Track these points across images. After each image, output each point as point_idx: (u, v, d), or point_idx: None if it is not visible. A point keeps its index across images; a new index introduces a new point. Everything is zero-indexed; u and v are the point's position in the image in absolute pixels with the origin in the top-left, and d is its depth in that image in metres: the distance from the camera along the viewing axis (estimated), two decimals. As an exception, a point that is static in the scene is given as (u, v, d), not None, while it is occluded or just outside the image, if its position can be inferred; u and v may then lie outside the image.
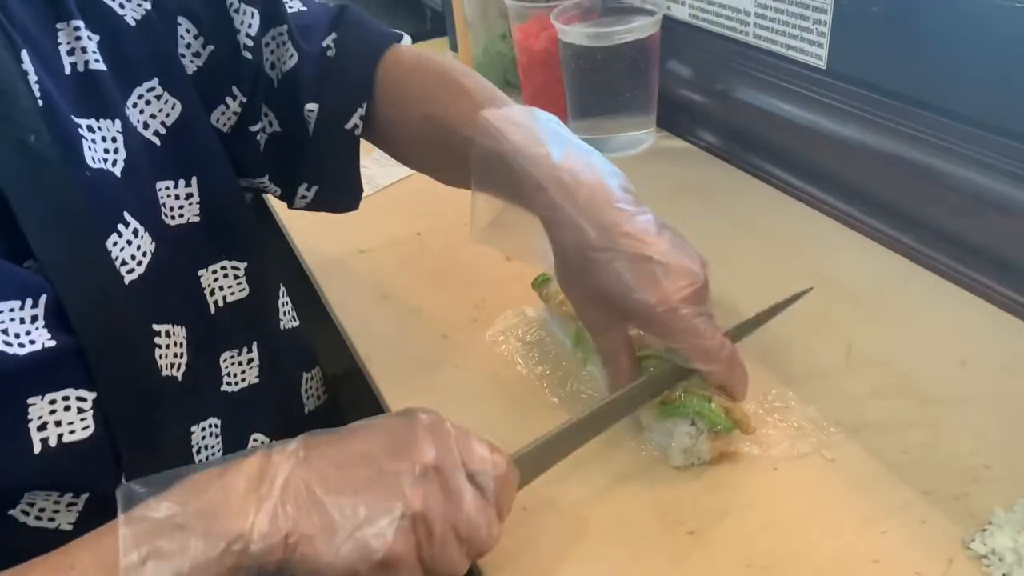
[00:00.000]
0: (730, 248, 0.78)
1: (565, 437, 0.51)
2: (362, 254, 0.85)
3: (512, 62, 1.11)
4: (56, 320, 0.44)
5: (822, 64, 0.78)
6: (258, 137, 0.62)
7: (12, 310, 0.43)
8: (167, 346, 0.52)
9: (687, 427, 0.54)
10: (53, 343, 0.43)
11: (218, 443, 0.59)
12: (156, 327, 0.51)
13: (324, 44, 0.62)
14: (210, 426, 0.58)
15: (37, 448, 0.43)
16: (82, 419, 0.45)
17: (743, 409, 0.55)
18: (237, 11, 0.58)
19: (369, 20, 0.65)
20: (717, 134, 0.96)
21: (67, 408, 0.45)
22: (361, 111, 0.62)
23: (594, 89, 0.94)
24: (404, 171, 0.98)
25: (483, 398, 0.64)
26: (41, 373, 0.44)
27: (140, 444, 0.49)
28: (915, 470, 0.54)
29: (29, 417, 0.43)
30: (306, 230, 0.90)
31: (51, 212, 0.45)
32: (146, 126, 0.53)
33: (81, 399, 0.45)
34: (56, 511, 0.46)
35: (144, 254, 0.50)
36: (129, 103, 0.52)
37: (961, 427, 0.57)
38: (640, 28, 0.88)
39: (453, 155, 0.58)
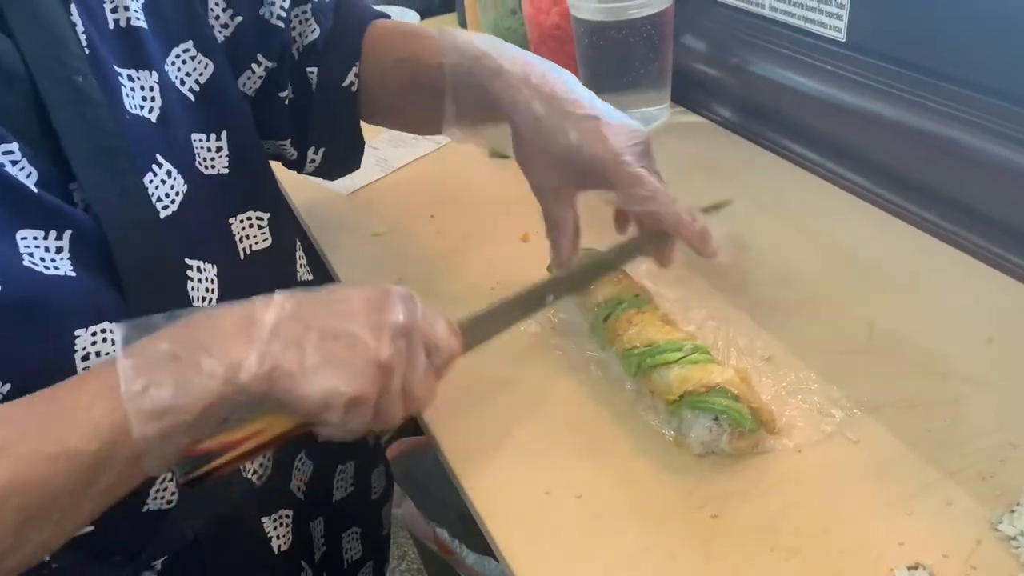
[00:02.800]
0: (748, 225, 0.77)
1: (506, 310, 0.57)
2: (376, 237, 0.84)
3: (523, 38, 1.09)
4: (82, 255, 0.48)
5: (841, 36, 0.76)
6: (286, 102, 0.68)
7: (36, 238, 0.47)
8: (199, 280, 0.56)
9: (709, 421, 0.53)
10: (74, 274, 0.47)
11: None
12: (188, 261, 0.55)
13: (327, 23, 0.68)
14: None
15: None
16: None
17: (770, 409, 0.54)
18: None
19: (360, 1, 0.73)
20: (733, 109, 0.94)
21: (104, 340, 0.48)
22: (355, 69, 0.68)
23: (607, 64, 0.92)
24: (417, 152, 0.98)
25: (499, 380, 0.64)
26: (81, 305, 0.48)
27: None
28: (940, 450, 0.53)
29: (75, 348, 0.47)
30: (322, 216, 0.89)
31: (95, 145, 0.50)
32: (182, 83, 0.58)
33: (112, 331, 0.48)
34: None
35: (177, 194, 0.55)
36: (168, 61, 0.57)
37: (987, 405, 0.56)
38: (654, 2, 0.87)
39: (424, 88, 0.65)
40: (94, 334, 0.48)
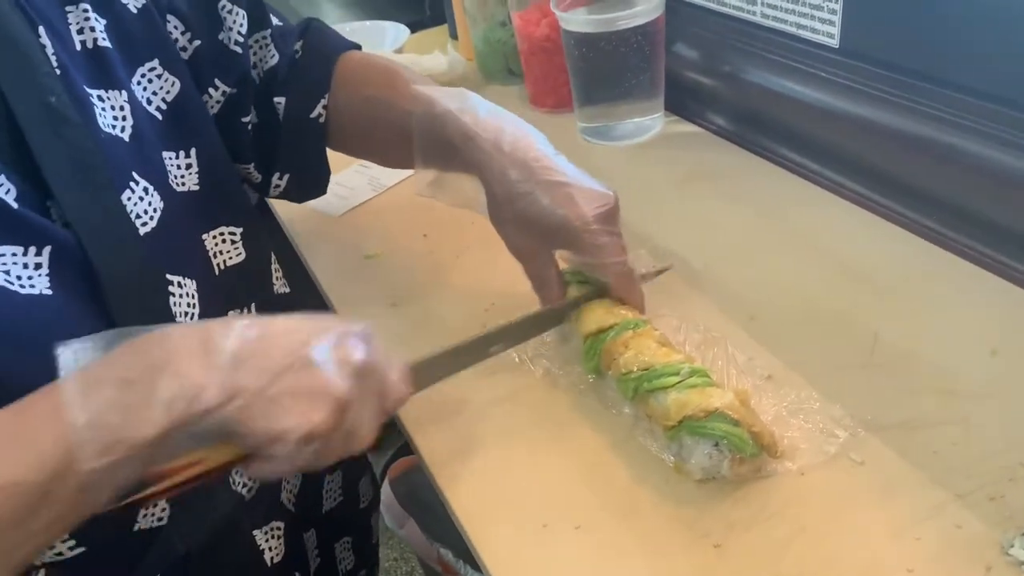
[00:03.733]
0: (745, 235, 0.76)
1: (455, 356, 0.58)
2: (368, 260, 0.83)
3: (513, 50, 1.08)
4: (61, 272, 0.48)
5: (834, 43, 0.75)
6: (249, 127, 0.68)
7: (15, 254, 0.47)
8: (180, 295, 0.56)
9: (709, 447, 0.52)
10: (50, 292, 0.47)
11: None
12: (170, 276, 0.56)
13: (295, 48, 0.70)
14: None
15: None
16: None
17: (772, 432, 0.53)
18: (230, 12, 0.64)
19: (330, 30, 0.74)
20: (727, 117, 0.93)
21: (80, 359, 0.46)
22: (324, 101, 0.69)
23: (599, 76, 0.91)
24: (409, 171, 0.96)
25: (498, 406, 0.63)
26: (59, 323, 0.47)
27: None
28: (947, 471, 0.52)
29: (60, 366, 0.45)
30: (313, 237, 0.88)
31: (73, 164, 0.50)
32: (149, 102, 0.59)
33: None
34: None
35: (155, 210, 0.56)
36: (134, 80, 0.58)
37: (994, 422, 0.55)
38: (643, 12, 0.85)
39: (392, 128, 0.66)
40: (75, 352, 0.47)
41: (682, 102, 0.97)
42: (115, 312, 0.50)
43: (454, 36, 1.28)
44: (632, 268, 0.61)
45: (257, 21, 0.67)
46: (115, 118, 0.55)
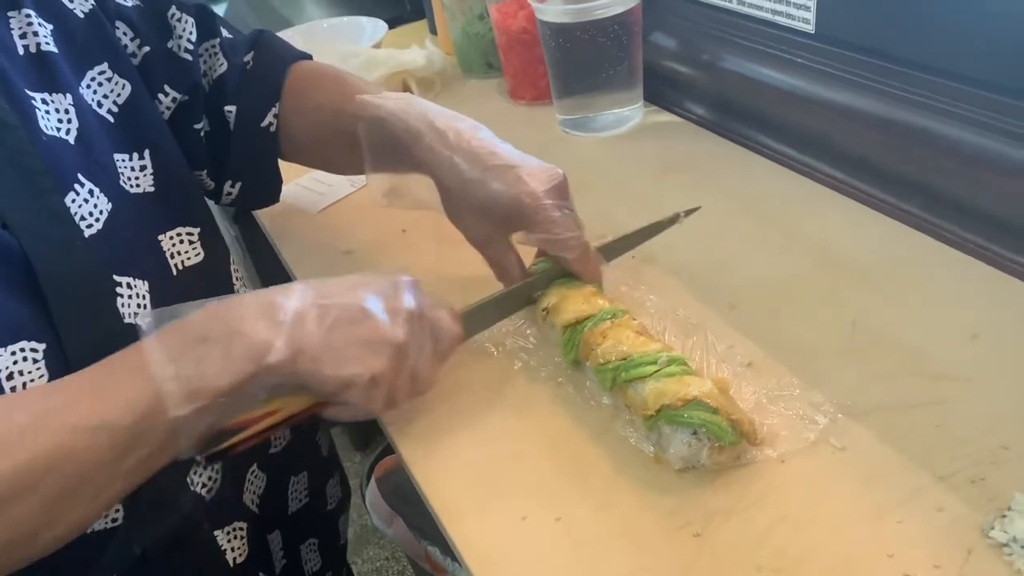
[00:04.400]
0: (725, 223, 0.75)
1: (502, 301, 0.63)
2: (347, 255, 0.82)
3: (492, 43, 1.07)
4: (0, 273, 0.48)
5: (810, 28, 0.74)
6: (201, 135, 0.69)
7: None
8: (129, 296, 0.56)
9: (687, 436, 0.51)
10: None
11: None
12: (117, 278, 0.55)
13: (245, 59, 0.71)
14: None
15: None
16: (37, 368, 0.49)
17: (751, 419, 0.52)
18: (179, 20, 0.66)
19: (281, 41, 0.75)
20: (706, 106, 0.92)
21: (25, 359, 0.49)
22: (275, 110, 0.70)
23: (576, 67, 0.91)
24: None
25: (477, 400, 0.62)
26: (3, 326, 0.48)
27: None
28: (929, 454, 0.52)
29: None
30: (291, 234, 0.87)
31: (13, 167, 0.50)
32: (100, 104, 0.59)
33: (34, 350, 0.49)
34: None
35: (101, 212, 0.56)
36: (83, 84, 0.58)
37: (975, 405, 0.54)
38: (620, 1, 0.85)
39: (342, 135, 0.67)
40: (13, 353, 0.48)
41: (661, 92, 0.96)
42: (56, 313, 0.50)
43: (433, 31, 1.27)
44: (588, 242, 0.62)
45: (206, 31, 0.68)
46: (60, 120, 0.55)
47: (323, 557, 0.79)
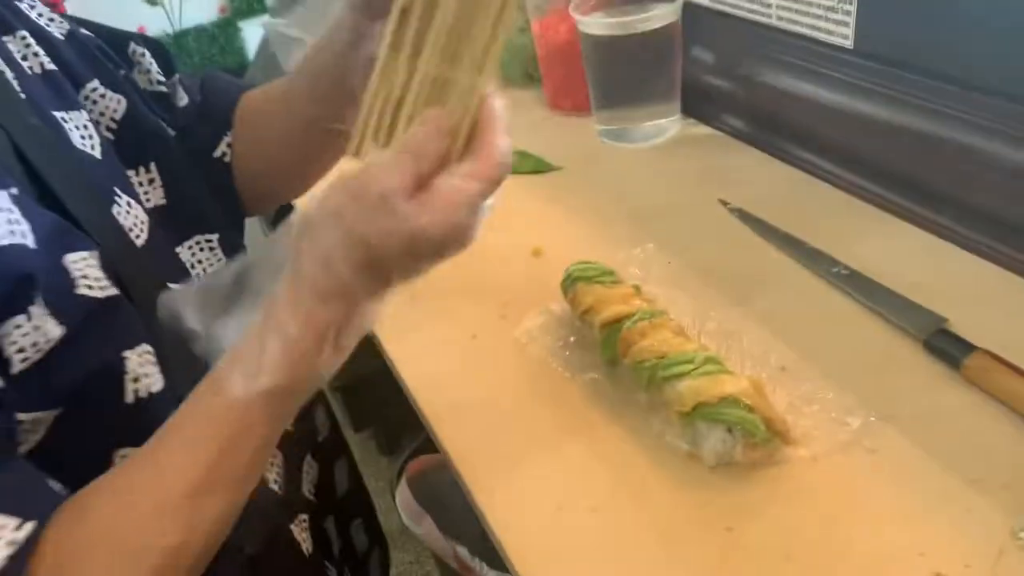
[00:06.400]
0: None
1: None
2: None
3: (533, 55, 1.10)
4: (109, 277, 0.47)
5: (849, 43, 0.76)
6: None
7: (84, 258, 0.46)
8: None
9: (722, 433, 0.53)
10: (115, 291, 0.46)
11: None
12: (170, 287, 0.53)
13: (197, 96, 0.69)
14: None
15: (130, 399, 0.46)
16: (156, 372, 0.48)
17: (784, 419, 0.54)
18: (143, 56, 0.64)
19: (227, 77, 0.72)
20: (744, 119, 0.94)
21: (144, 362, 0.47)
22: (227, 139, 0.67)
23: (616, 79, 0.93)
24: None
25: (516, 395, 0.64)
26: (126, 325, 0.47)
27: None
28: (960, 457, 0.53)
29: (125, 370, 0.46)
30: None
31: (71, 182, 0.49)
32: (98, 124, 0.57)
33: (149, 352, 0.48)
34: None
35: (143, 223, 0.55)
36: (81, 102, 0.56)
37: (1005, 411, 0.55)
38: (660, 16, 0.87)
39: (294, 151, 0.64)
40: (140, 355, 0.47)
41: (699, 105, 0.98)
42: (148, 320, 0.49)
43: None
44: None
45: (167, 66, 0.67)
46: (83, 137, 0.54)
47: (368, 536, 0.81)
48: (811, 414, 0.57)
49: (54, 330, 0.42)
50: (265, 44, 2.03)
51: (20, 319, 0.41)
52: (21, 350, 0.41)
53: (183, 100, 0.67)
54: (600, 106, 0.97)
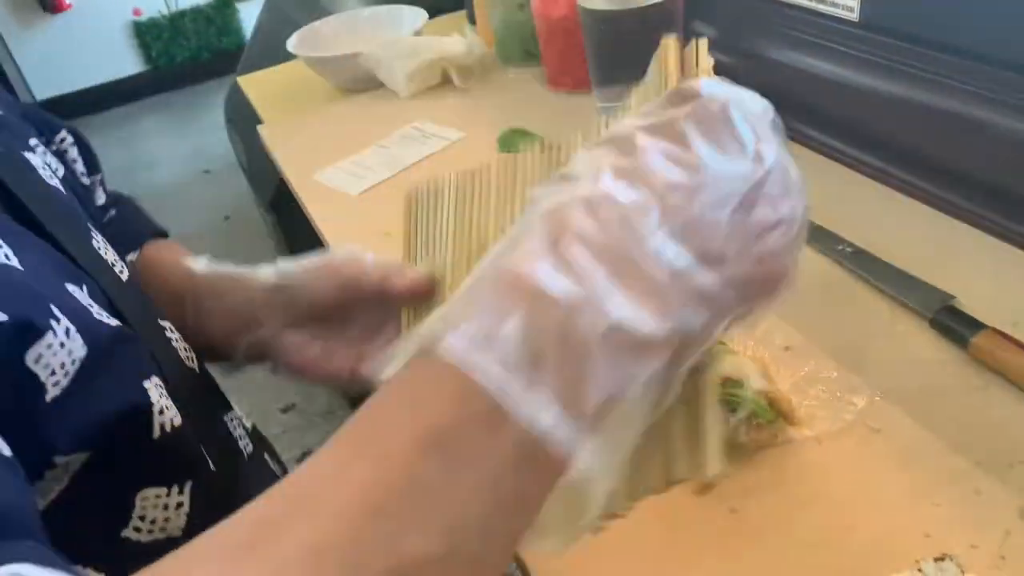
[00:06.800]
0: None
1: None
2: (387, 236, 0.83)
3: (531, 32, 1.08)
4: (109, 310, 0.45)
5: (854, 16, 0.74)
6: None
7: (75, 292, 0.43)
8: (177, 339, 0.52)
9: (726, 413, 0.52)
10: (118, 323, 0.44)
11: (246, 429, 0.59)
12: (161, 322, 0.52)
13: (111, 212, 0.66)
14: (238, 416, 0.58)
15: (156, 433, 0.44)
16: (172, 404, 0.45)
17: (789, 399, 0.53)
18: (71, 146, 0.62)
19: (144, 214, 0.69)
20: (746, 95, 0.92)
21: (161, 394, 0.45)
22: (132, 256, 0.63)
23: (617, 55, 0.91)
24: (426, 149, 0.97)
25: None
26: (140, 354, 0.44)
27: (206, 428, 0.50)
28: (966, 437, 0.52)
29: (151, 401, 0.43)
30: (332, 216, 0.89)
31: (56, 215, 0.47)
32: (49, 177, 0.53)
33: (160, 385, 0.45)
34: (167, 518, 0.45)
35: (121, 260, 0.52)
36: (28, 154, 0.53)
37: (1014, 392, 0.54)
38: (662, -11, 0.85)
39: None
40: (156, 387, 0.44)
41: (701, 81, 0.96)
42: (151, 352, 0.47)
43: (472, 20, 1.28)
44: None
45: (92, 164, 0.64)
46: (47, 175, 0.51)
47: None
48: (816, 394, 0.56)
49: (79, 349, 0.40)
50: (261, 25, 2.01)
51: (49, 337, 0.38)
52: (53, 373, 0.38)
53: (101, 199, 0.65)
54: (600, 83, 0.95)
